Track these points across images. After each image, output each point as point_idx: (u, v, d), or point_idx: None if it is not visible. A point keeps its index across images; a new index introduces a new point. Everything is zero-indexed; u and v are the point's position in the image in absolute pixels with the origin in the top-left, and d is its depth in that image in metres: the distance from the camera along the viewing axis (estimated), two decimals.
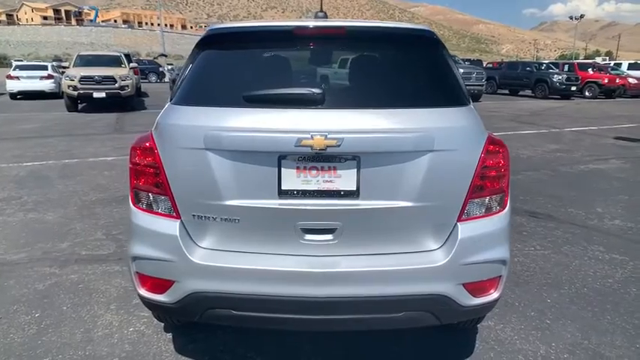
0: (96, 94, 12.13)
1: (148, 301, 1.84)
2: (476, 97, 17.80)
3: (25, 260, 3.25)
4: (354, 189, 1.67)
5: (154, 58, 35.03)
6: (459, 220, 1.73)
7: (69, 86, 12.14)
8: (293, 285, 1.66)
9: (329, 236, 1.70)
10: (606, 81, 20.43)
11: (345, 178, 1.66)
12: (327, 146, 1.59)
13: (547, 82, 19.59)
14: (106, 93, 12.21)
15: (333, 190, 1.67)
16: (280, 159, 1.65)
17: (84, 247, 3.48)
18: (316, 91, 1.66)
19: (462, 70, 17.06)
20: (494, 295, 1.81)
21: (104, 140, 8.29)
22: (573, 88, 19.43)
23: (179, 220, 1.73)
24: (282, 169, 1.66)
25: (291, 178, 1.66)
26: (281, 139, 1.62)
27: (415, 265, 1.69)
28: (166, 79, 30.58)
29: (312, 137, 1.59)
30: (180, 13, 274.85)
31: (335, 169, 1.66)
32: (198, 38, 1.93)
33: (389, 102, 1.71)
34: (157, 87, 24.74)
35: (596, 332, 2.43)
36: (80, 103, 12.66)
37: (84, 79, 12.07)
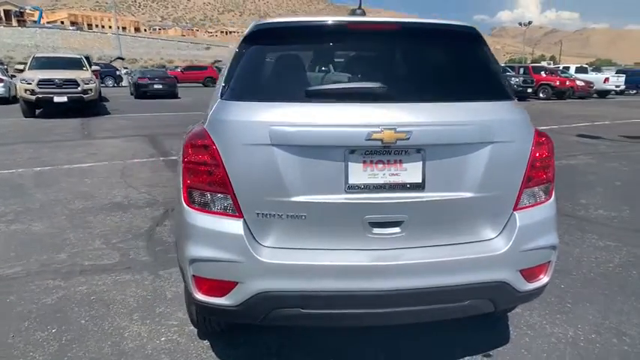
0: (57, 99, 11.48)
1: (205, 305, 1.76)
2: None
3: (22, 274, 3.03)
4: (420, 181, 1.68)
5: (111, 61, 33.65)
6: (515, 209, 1.79)
7: (26, 90, 11.42)
8: (362, 279, 1.65)
9: (396, 229, 1.70)
10: (558, 83, 21.70)
11: (410, 171, 1.68)
12: (397, 139, 1.60)
13: None
14: (68, 97, 11.58)
15: (399, 183, 1.68)
16: (348, 153, 1.64)
17: (85, 258, 3.28)
18: (380, 85, 1.67)
19: None
20: (544, 280, 1.88)
21: (74, 147, 7.87)
22: (529, 90, 20.48)
23: (242, 219, 1.68)
24: (350, 163, 1.65)
25: (358, 173, 1.66)
26: (351, 134, 1.61)
27: (478, 254, 1.72)
28: (124, 83, 29.51)
29: (382, 131, 1.59)
30: (133, 15, 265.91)
31: (401, 162, 1.67)
32: (245, 32, 1.88)
33: (449, 95, 1.75)
34: (115, 91, 23.80)
35: (613, 312, 2.57)
36: (38, 108, 11.94)
37: (43, 83, 11.39)
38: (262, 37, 1.84)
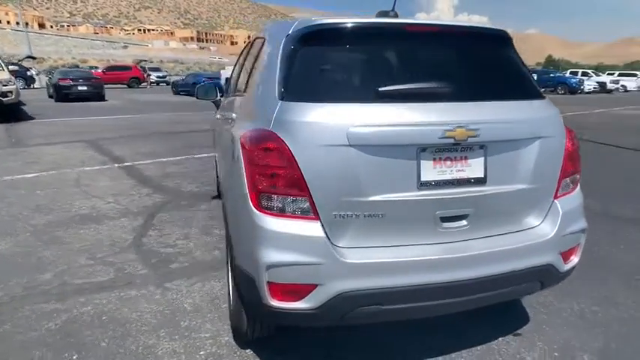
0: None
1: (279, 311, 1.71)
2: None
3: (5, 299, 2.70)
4: (482, 176, 1.79)
5: (19, 60, 30.35)
6: (555, 197, 1.97)
7: None
8: (435, 272, 1.72)
9: (463, 222, 1.79)
10: None
11: (474, 167, 1.78)
12: (468, 137, 1.69)
13: None
14: None
15: (464, 179, 1.77)
16: (420, 151, 1.70)
17: (75, 276, 3.00)
18: (446, 84, 1.75)
19: None
20: (575, 260, 2.09)
21: (5, 155, 7.06)
22: None
23: (319, 221, 1.67)
24: (422, 161, 1.71)
25: (429, 170, 1.72)
26: (425, 132, 1.67)
27: (531, 240, 1.87)
28: (37, 85, 26.84)
29: (454, 129, 1.67)
30: (35, 9, 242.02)
31: (466, 158, 1.77)
32: (292, 31, 1.86)
33: (502, 94, 1.87)
34: (28, 94, 21.56)
35: (606, 287, 2.89)
36: None
37: None
38: (319, 36, 1.84)
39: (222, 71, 22.41)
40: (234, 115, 2.37)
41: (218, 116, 3.79)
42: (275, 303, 1.70)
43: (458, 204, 1.77)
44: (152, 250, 3.44)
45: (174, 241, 3.64)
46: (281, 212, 1.68)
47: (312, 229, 1.66)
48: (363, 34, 1.86)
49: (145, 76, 31.93)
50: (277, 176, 1.67)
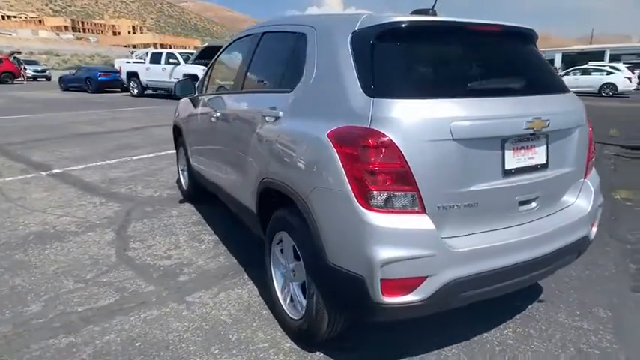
0: None
1: (389, 307, 1.72)
2: None
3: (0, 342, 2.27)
4: (545, 162, 1.99)
5: None
6: (585, 177, 2.26)
7: None
8: (519, 252, 1.88)
9: (534, 204, 1.98)
10: None
11: (539, 154, 1.96)
12: (542, 127, 1.87)
13: None
14: None
15: (533, 165, 1.95)
16: (503, 142, 1.83)
17: (71, 303, 2.61)
18: (517, 79, 1.91)
19: None
20: (595, 230, 2.42)
21: None
22: None
23: (426, 214, 1.71)
24: (505, 151, 1.85)
25: (510, 159, 1.87)
26: (511, 124, 1.81)
27: (576, 216, 2.13)
28: None
29: (533, 120, 1.84)
30: None
31: (534, 147, 1.94)
32: (373, 27, 1.85)
33: (553, 88, 2.09)
34: None
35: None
36: None
37: None
38: (398, 33, 1.85)
39: (121, 65, 20.49)
40: (276, 112, 2.26)
41: (202, 113, 3.54)
42: (386, 299, 1.70)
43: (532, 188, 1.95)
44: (147, 264, 3.13)
45: (166, 251, 3.35)
46: (391, 209, 1.68)
47: (422, 222, 1.69)
48: (440, 32, 1.93)
49: (21, 69, 27.81)
50: (387, 173, 1.67)
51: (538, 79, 2.10)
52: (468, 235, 1.81)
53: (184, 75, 15.67)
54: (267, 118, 2.35)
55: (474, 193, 1.79)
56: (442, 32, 1.95)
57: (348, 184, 1.70)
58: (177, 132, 4.55)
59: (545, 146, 1.98)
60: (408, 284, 1.71)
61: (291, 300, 2.30)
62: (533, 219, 1.99)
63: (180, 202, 4.52)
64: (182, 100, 4.59)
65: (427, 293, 1.72)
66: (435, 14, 2.30)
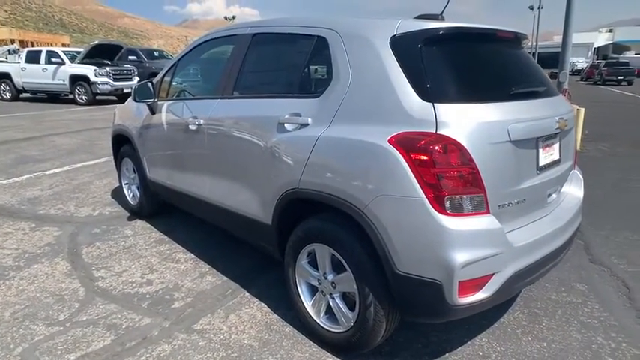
0: None
1: (461, 308, 1.76)
2: None
3: None
4: (559, 158, 2.21)
5: None
6: (573, 169, 2.56)
7: None
8: (554, 240, 2.08)
9: (554, 196, 2.19)
10: None
11: (556, 151, 2.18)
12: (564, 127, 2.09)
13: None
14: None
15: (553, 161, 2.16)
16: (537, 141, 2.00)
17: (57, 352, 2.18)
18: (540, 83, 2.10)
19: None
20: None
21: None
22: None
23: (491, 214, 1.79)
24: (539, 149, 2.02)
25: (542, 157, 2.04)
26: (546, 124, 1.99)
27: (577, 201, 2.39)
28: None
29: (559, 120, 2.04)
30: None
31: (554, 144, 2.15)
32: (426, 32, 1.88)
33: (554, 90, 2.32)
34: None
35: None
36: None
37: None
38: (445, 39, 1.90)
39: None
40: (301, 119, 2.15)
41: (170, 120, 3.21)
42: (461, 300, 1.75)
43: (554, 182, 2.16)
44: (128, 294, 2.75)
45: (143, 276, 2.98)
46: (462, 212, 1.73)
47: (491, 222, 1.77)
48: (477, 38, 2.03)
49: None
50: (459, 177, 1.71)
51: (547, 82, 2.32)
52: (517, 229, 1.94)
53: (71, 76, 13.96)
54: (287, 126, 2.22)
55: (522, 190, 1.92)
56: (478, 38, 2.05)
57: (421, 191, 1.70)
58: (121, 142, 4.05)
59: (559, 143, 2.21)
60: (479, 283, 1.78)
61: (327, 313, 2.22)
62: (553, 209, 2.21)
63: (129, 219, 4.04)
64: (124, 105, 4.11)
65: (494, 289, 1.81)
66: (443, 19, 2.41)
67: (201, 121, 2.80)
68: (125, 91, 14.61)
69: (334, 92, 2.06)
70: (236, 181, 2.61)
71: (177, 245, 3.49)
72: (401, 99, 1.82)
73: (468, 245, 1.72)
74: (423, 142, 1.71)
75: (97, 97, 14.35)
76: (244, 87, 2.68)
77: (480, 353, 2.22)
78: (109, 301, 2.66)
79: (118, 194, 4.70)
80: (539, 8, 36.55)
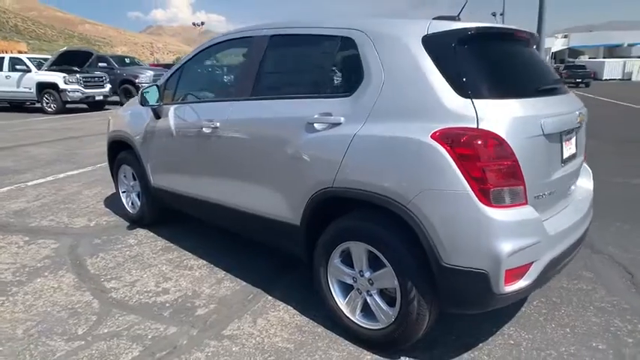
0: None
1: (505, 296, 1.81)
2: None
3: None
4: (575, 151, 2.31)
5: None
6: (584, 161, 2.67)
7: None
8: (578, 228, 2.17)
9: (573, 187, 2.29)
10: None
11: (573, 145, 2.28)
12: (582, 121, 2.19)
13: None
14: None
15: (573, 154, 2.26)
16: (562, 135, 2.09)
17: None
18: (556, 79, 2.20)
19: (151, 72, 16.66)
20: None
21: None
22: None
23: (530, 205, 1.85)
24: (563, 143, 2.10)
25: (564, 149, 2.13)
26: (570, 118, 2.08)
27: (589, 193, 2.50)
28: None
29: (579, 115, 2.14)
30: None
31: (572, 138, 2.25)
32: (459, 31, 1.94)
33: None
34: None
35: None
36: None
37: None
38: (477, 38, 1.96)
39: None
40: (333, 118, 2.16)
41: (180, 124, 3.14)
42: (506, 288, 1.80)
43: (574, 174, 2.26)
44: (146, 304, 2.66)
45: (158, 285, 2.89)
46: (505, 203, 1.78)
47: (530, 212, 1.84)
48: (502, 37, 2.11)
49: None
50: (502, 170, 1.76)
51: (560, 79, 2.43)
52: (549, 219, 2.01)
53: (38, 83, 13.40)
54: (316, 125, 2.23)
55: (553, 181, 2.00)
56: (502, 38, 2.14)
57: (467, 184, 1.74)
58: (119, 149, 3.93)
59: (575, 137, 2.31)
60: (521, 272, 1.84)
61: (362, 310, 2.23)
62: (572, 200, 2.31)
63: (129, 228, 3.91)
64: (123, 111, 3.99)
65: (533, 277, 1.87)
66: (459, 20, 2.48)
67: (218, 124, 2.76)
68: (97, 98, 14.16)
69: (367, 91, 2.08)
70: (259, 183, 2.58)
71: (186, 252, 3.41)
72: (439, 96, 1.87)
73: (512, 235, 1.78)
74: (466, 136, 1.76)
75: (67, 106, 13.81)
76: (265, 88, 2.66)
77: (511, 342, 2.28)
78: (127, 312, 2.57)
79: (112, 203, 4.55)
80: (501, 15, 37.97)
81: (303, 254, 2.47)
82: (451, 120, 1.82)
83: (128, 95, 16.45)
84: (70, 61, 14.12)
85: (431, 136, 1.82)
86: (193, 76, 3.39)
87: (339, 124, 2.14)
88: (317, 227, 2.32)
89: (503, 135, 1.76)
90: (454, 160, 1.76)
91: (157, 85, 3.24)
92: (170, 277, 3.00)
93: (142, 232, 3.82)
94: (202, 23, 63.94)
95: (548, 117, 1.93)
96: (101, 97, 14.34)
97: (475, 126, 1.77)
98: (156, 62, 20.35)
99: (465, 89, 1.84)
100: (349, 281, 2.25)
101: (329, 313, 2.37)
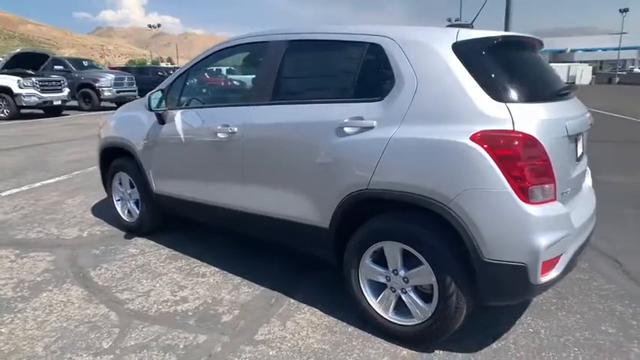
0: None
1: (540, 286, 1.95)
2: None
3: None
4: (582, 151, 2.50)
5: None
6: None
7: None
8: (590, 222, 2.35)
9: (582, 184, 2.47)
10: (222, 84, 24.52)
11: (580, 146, 2.46)
12: (591, 123, 2.37)
13: None
14: None
15: (581, 154, 2.44)
16: (577, 135, 2.26)
17: None
18: (564, 84, 2.37)
19: (111, 76, 16.05)
20: None
21: None
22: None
23: (558, 201, 2.00)
24: (577, 143, 2.28)
25: (578, 149, 2.31)
26: (584, 120, 2.26)
27: (591, 190, 2.70)
28: None
29: (589, 117, 2.32)
30: None
31: (581, 139, 2.43)
32: (488, 39, 2.07)
33: None
34: None
35: None
36: None
37: None
38: (504, 46, 2.10)
39: None
40: (366, 122, 2.22)
41: (189, 129, 3.09)
42: (543, 279, 1.93)
43: (583, 172, 2.44)
44: (167, 313, 2.61)
45: (174, 294, 2.83)
46: (540, 200, 1.92)
47: (560, 207, 1.99)
48: (521, 45, 2.26)
49: None
50: (538, 169, 1.90)
51: (569, 84, 2.62)
52: (571, 213, 2.17)
53: None
54: (347, 129, 2.28)
55: (572, 179, 2.17)
56: (521, 45, 2.28)
57: (507, 183, 1.86)
58: (113, 156, 3.80)
59: (582, 139, 2.50)
60: (553, 263, 1.98)
61: (395, 308, 2.30)
62: (583, 195, 2.49)
63: (127, 237, 3.79)
64: (119, 115, 3.87)
65: (562, 268, 2.02)
66: (472, 28, 2.62)
67: (235, 129, 2.74)
68: (55, 103, 13.44)
69: (400, 95, 2.16)
70: (285, 187, 2.59)
71: (195, 260, 3.35)
72: (474, 100, 1.98)
73: (547, 229, 1.91)
74: (506, 138, 1.88)
75: (22, 111, 12.99)
76: (286, 93, 2.68)
77: (531, 330, 2.43)
78: (149, 323, 2.50)
79: (101, 212, 4.38)
80: (457, 20, 39.51)
81: (331, 256, 2.51)
82: (487, 123, 1.93)
83: (87, 100, 15.76)
84: (24, 63, 13.31)
85: (470, 138, 1.92)
86: (202, 80, 3.34)
87: (372, 127, 2.21)
88: (346, 229, 2.37)
89: (537, 136, 1.90)
90: (494, 161, 1.87)
91: (161, 90, 3.17)
92: (185, 286, 2.94)
93: (141, 241, 3.71)
94: (159, 25, 62.18)
95: (570, 119, 2.09)
96: (59, 102, 13.61)
97: (511, 128, 1.89)
98: (108, 65, 19.64)
99: (498, 93, 1.97)
100: (382, 280, 2.32)
101: (361, 313, 2.42)
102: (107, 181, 3.98)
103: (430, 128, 2.04)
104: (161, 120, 3.26)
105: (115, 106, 16.78)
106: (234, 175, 2.86)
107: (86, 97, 15.68)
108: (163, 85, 3.30)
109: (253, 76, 3.00)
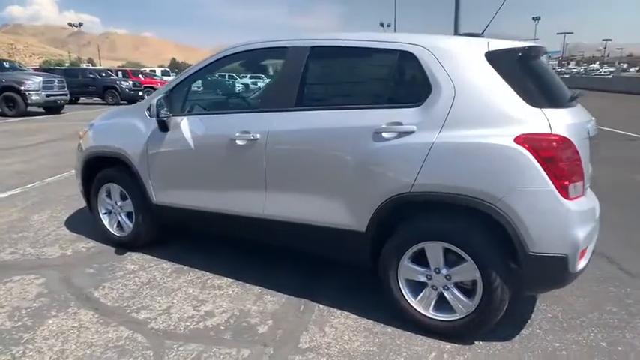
0: None
1: (576, 274, 2.15)
2: (60, 108, 15.94)
3: None
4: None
5: None
6: None
7: None
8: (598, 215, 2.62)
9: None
10: (159, 85, 23.48)
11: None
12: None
13: (117, 89, 20.29)
14: None
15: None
16: (593, 137, 2.50)
17: None
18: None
19: (39, 78, 14.70)
20: None
21: None
22: (140, 93, 21.06)
23: (584, 196, 2.21)
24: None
25: (589, 151, 2.56)
26: (593, 124, 2.49)
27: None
28: None
29: (594, 122, 2.58)
30: None
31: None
32: (517, 50, 2.24)
33: None
34: None
35: None
36: None
37: None
38: (532, 55, 2.30)
39: None
40: (405, 127, 2.30)
41: (200, 136, 2.96)
42: (578, 267, 2.14)
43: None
44: (197, 329, 2.50)
45: (197, 309, 2.71)
46: (574, 196, 2.11)
47: (587, 202, 2.21)
48: (538, 55, 2.45)
49: None
50: (573, 169, 2.10)
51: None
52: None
53: None
54: (385, 135, 2.34)
55: (589, 176, 2.40)
56: (538, 55, 2.48)
57: (550, 181, 2.03)
58: (100, 166, 3.53)
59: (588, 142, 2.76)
60: (584, 253, 2.19)
61: (436, 303, 2.40)
62: (590, 191, 2.76)
63: (119, 252, 3.54)
64: (110, 122, 3.62)
65: (588, 258, 2.25)
66: (483, 37, 2.80)
67: (258, 135, 2.69)
68: None
69: (439, 101, 2.26)
70: (315, 193, 2.58)
71: (203, 272, 3.22)
72: (512, 106, 2.13)
73: (582, 222, 2.12)
74: (547, 141, 2.05)
75: None
76: (312, 99, 2.67)
77: (549, 315, 2.65)
78: (183, 342, 2.38)
79: (77, 227, 4.05)
80: (388, 26, 41.12)
81: (366, 259, 2.55)
82: (528, 126, 2.09)
83: (11, 105, 14.30)
84: None
85: (514, 141, 2.07)
86: (210, 85, 3.22)
87: (412, 132, 2.29)
88: (384, 232, 2.43)
89: (571, 138, 2.09)
90: (538, 161, 2.03)
91: (167, 95, 3.01)
92: (205, 300, 2.83)
93: (136, 256, 3.49)
94: (81, 24, 57.74)
95: (587, 123, 2.32)
96: None
97: (549, 131, 2.07)
98: (19, 66, 18.06)
99: (533, 99, 2.14)
100: (422, 279, 2.40)
101: (400, 312, 2.49)
102: (91, 194, 3.69)
103: (472, 132, 2.17)
104: (164, 127, 3.09)
105: (44, 111, 15.48)
106: (254, 182, 2.79)
107: (9, 101, 14.21)
108: (164, 90, 3.14)
109: (268, 81, 2.96)
